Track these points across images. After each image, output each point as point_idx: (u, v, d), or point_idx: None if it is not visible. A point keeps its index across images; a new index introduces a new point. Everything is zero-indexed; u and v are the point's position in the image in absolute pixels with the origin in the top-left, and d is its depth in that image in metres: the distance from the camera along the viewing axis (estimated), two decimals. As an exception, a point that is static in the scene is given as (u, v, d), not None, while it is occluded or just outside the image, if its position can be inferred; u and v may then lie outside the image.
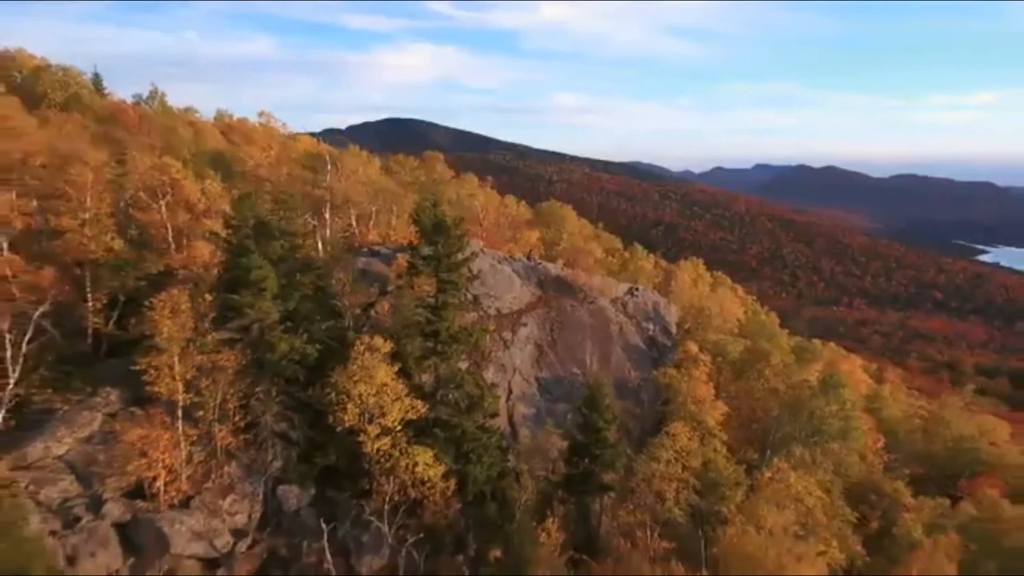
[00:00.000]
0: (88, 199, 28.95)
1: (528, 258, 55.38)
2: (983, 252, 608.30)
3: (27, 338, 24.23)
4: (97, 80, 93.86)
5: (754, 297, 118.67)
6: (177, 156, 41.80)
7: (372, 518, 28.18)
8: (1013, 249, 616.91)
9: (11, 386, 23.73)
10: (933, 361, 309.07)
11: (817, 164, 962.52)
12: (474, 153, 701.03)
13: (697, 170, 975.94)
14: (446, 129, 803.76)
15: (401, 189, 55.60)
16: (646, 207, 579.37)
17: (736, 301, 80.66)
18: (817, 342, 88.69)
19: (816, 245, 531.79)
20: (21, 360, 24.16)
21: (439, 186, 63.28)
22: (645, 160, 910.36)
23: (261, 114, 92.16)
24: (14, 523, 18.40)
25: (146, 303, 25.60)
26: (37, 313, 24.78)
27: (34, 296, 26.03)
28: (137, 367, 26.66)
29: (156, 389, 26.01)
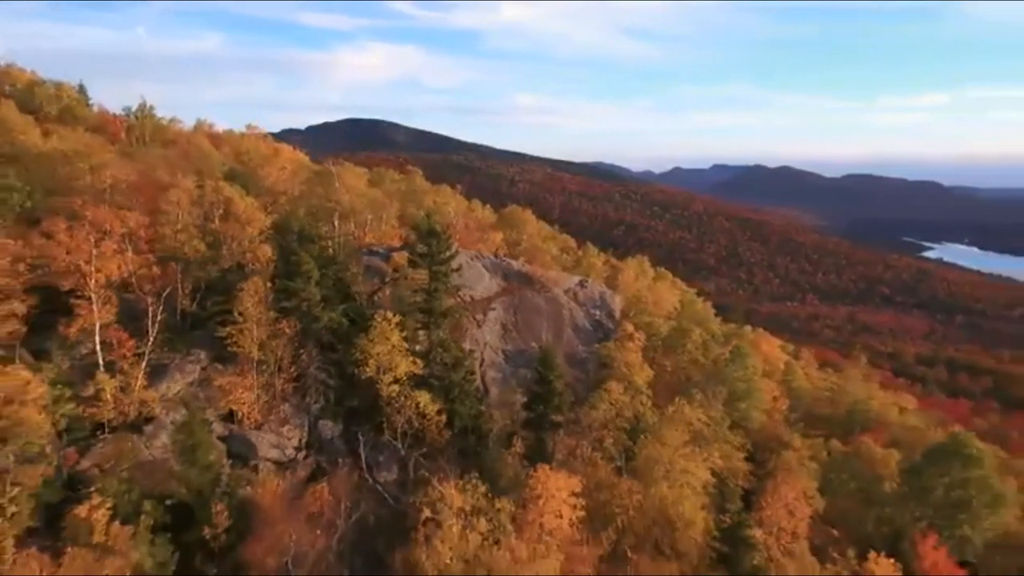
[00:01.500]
0: (180, 214, 40.21)
1: (495, 255, 67.79)
2: (928, 249, 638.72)
3: (160, 312, 35.44)
4: (83, 91, 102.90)
5: (696, 290, 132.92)
6: (211, 174, 52.70)
7: (390, 438, 40.19)
8: (956, 246, 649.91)
9: (150, 345, 34.97)
10: (877, 352, 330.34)
11: (773, 164, 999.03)
12: (436, 153, 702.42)
13: (657, 170, 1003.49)
14: (407, 129, 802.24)
15: (387, 199, 67.44)
16: (607, 207, 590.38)
17: (675, 292, 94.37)
18: (748, 328, 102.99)
19: (771, 243, 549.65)
20: (156, 328, 35.38)
21: (418, 195, 75.23)
22: (606, 160, 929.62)
23: (249, 127, 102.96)
24: (198, 418, 29.86)
25: (237, 287, 37.18)
26: (164, 295, 36.05)
27: (146, 285, 37.25)
28: (220, 335, 38.27)
29: (237, 349, 37.61)
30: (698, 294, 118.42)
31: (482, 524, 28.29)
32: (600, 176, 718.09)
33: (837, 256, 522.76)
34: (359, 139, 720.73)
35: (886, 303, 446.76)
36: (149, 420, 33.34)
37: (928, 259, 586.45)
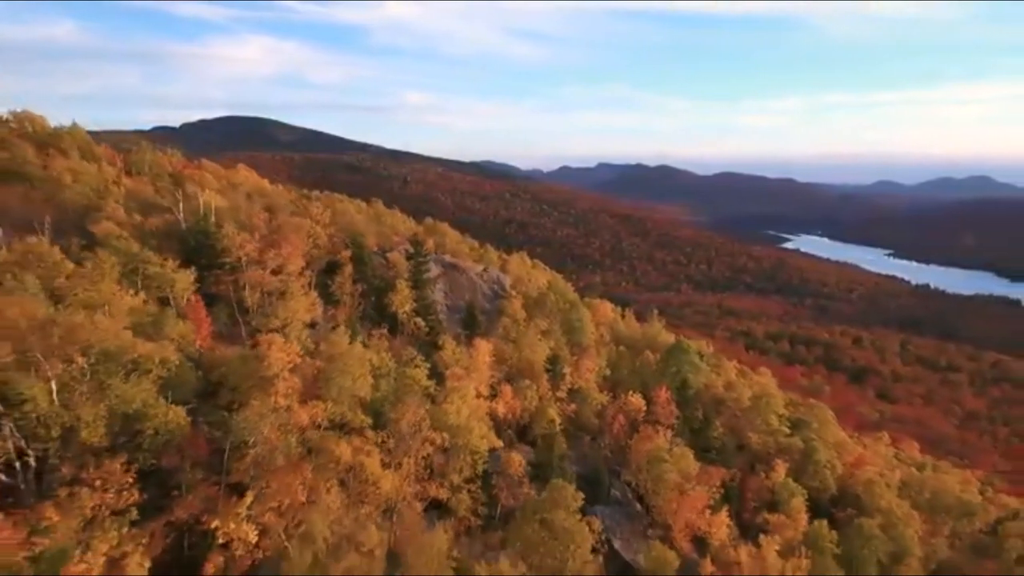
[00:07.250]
0: (309, 238, 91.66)
1: (435, 253, 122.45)
2: (787, 240, 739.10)
3: (313, 283, 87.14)
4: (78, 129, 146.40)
5: (584, 284, 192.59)
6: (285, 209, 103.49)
7: (408, 335, 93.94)
8: (810, 237, 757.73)
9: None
10: (733, 331, 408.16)
11: (652, 163, 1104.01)
12: (326, 153, 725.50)
13: (546, 169, 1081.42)
14: (294, 128, 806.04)
15: (368, 221, 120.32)
16: (498, 205, 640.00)
17: (546, 276, 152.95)
18: (597, 300, 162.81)
19: (651, 238, 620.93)
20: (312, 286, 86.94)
21: (380, 217, 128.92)
22: (497, 159, 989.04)
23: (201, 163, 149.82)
24: (355, 319, 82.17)
25: (337, 270, 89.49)
26: (316, 274, 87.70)
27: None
28: (329, 291, 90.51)
29: (335, 295, 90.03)
30: (585, 286, 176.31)
31: (459, 350, 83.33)
32: (491, 175, 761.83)
33: (708, 249, 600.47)
34: (240, 138, 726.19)
35: (749, 290, 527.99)
36: (316, 323, 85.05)
37: (786, 250, 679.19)
